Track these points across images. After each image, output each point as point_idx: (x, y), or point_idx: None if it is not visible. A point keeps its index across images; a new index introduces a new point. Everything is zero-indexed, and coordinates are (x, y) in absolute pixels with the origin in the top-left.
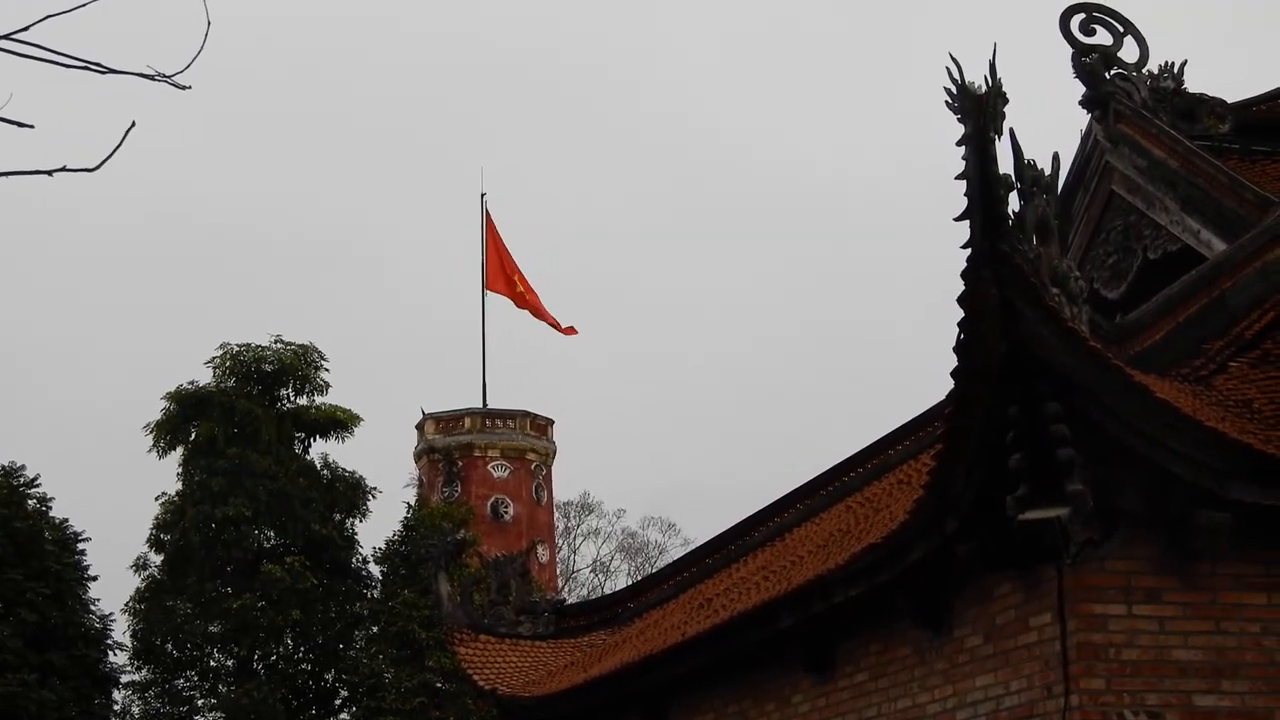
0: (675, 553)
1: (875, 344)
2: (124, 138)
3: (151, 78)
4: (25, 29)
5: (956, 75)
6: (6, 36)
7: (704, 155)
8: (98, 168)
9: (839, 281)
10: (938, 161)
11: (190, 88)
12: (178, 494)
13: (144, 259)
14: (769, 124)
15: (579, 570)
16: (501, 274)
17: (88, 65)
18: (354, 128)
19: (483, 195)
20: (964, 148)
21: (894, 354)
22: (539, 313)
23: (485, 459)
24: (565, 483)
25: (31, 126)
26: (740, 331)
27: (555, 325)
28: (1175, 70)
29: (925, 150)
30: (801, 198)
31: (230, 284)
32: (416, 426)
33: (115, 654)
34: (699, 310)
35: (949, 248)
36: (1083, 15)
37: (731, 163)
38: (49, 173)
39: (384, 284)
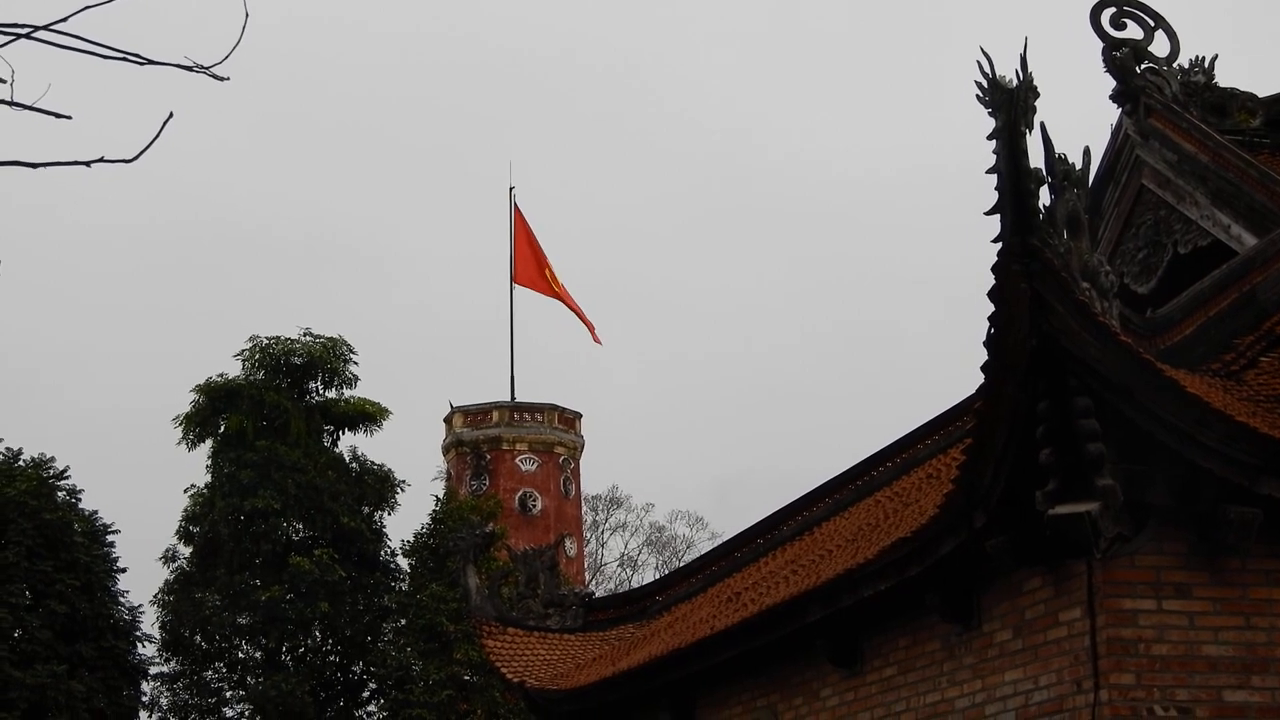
0: (703, 547)
1: (898, 342)
2: (161, 128)
3: (190, 69)
4: (64, 19)
5: (987, 69)
6: (45, 27)
7: (724, 155)
8: (135, 158)
9: (861, 279)
10: (962, 158)
11: (229, 79)
12: (206, 486)
13: (168, 257)
14: (789, 123)
15: (607, 564)
16: (531, 267)
17: (126, 56)
18: (377, 126)
19: (510, 189)
20: (995, 142)
21: (913, 352)
22: (576, 310)
23: (513, 452)
24: (593, 476)
25: (69, 118)
26: (767, 328)
27: (589, 326)
28: (1206, 65)
29: (946, 147)
30: (823, 196)
31: (258, 280)
32: (445, 420)
33: (144, 646)
34: (725, 307)
35: (975, 243)
36: (1113, 9)
37: (751, 162)
38: (87, 163)
39: (412, 278)
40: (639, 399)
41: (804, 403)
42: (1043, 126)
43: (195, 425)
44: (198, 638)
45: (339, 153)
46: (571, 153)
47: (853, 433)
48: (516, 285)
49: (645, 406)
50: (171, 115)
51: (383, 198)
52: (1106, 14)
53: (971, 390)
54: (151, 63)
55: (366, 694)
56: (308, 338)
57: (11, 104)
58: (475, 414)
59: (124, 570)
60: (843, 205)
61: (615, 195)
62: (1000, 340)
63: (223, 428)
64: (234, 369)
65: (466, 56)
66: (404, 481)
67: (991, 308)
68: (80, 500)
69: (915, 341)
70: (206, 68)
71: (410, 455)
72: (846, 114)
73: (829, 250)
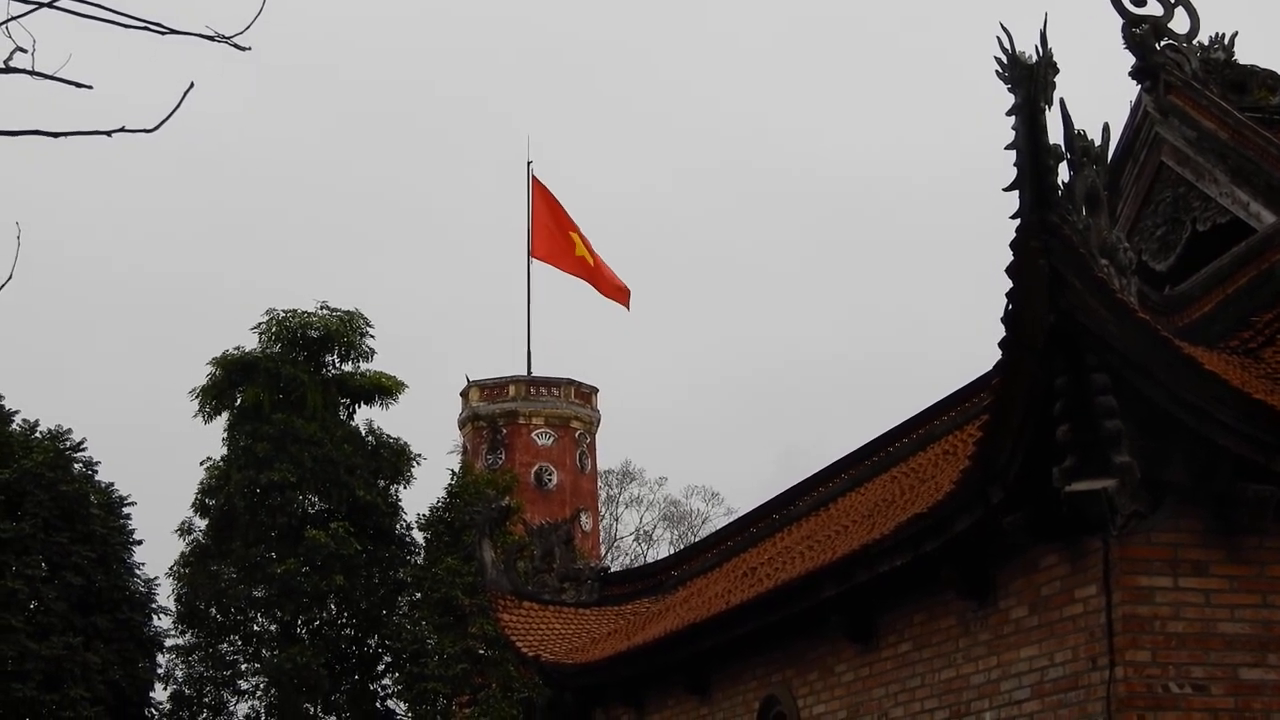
0: (718, 522)
1: (911, 324)
2: (183, 99)
3: (211, 38)
4: None
5: (1007, 45)
6: None
7: (747, 138)
8: (156, 128)
9: (879, 262)
10: (988, 133)
11: (250, 49)
12: (223, 459)
13: (188, 225)
14: (818, 103)
15: (622, 538)
16: (550, 241)
17: (147, 25)
18: (395, 100)
19: (529, 163)
20: (1014, 118)
21: (925, 334)
22: (599, 277)
23: (529, 426)
24: (610, 451)
25: (90, 87)
26: (790, 307)
27: (616, 293)
28: (1226, 41)
29: (974, 124)
30: (847, 180)
31: (276, 251)
32: (461, 394)
33: (159, 618)
34: (747, 286)
35: (998, 217)
36: None
37: (777, 146)
38: (108, 133)
39: (430, 251)
40: (657, 375)
41: (825, 384)
42: (1062, 103)
43: (212, 398)
44: (213, 610)
45: (357, 126)
46: (590, 129)
47: (876, 412)
48: (535, 260)
49: (662, 382)
50: (192, 85)
51: (401, 171)
52: None
53: (989, 366)
54: (173, 32)
55: (381, 667)
56: (324, 311)
57: (33, 74)
58: (491, 388)
59: (140, 542)
60: (878, 187)
61: (635, 172)
62: (1018, 317)
63: (239, 400)
64: (251, 342)
65: (486, 32)
66: (420, 455)
67: (1010, 284)
68: (97, 472)
69: (938, 322)
70: (228, 37)
71: (426, 429)
72: (872, 92)
73: (853, 227)
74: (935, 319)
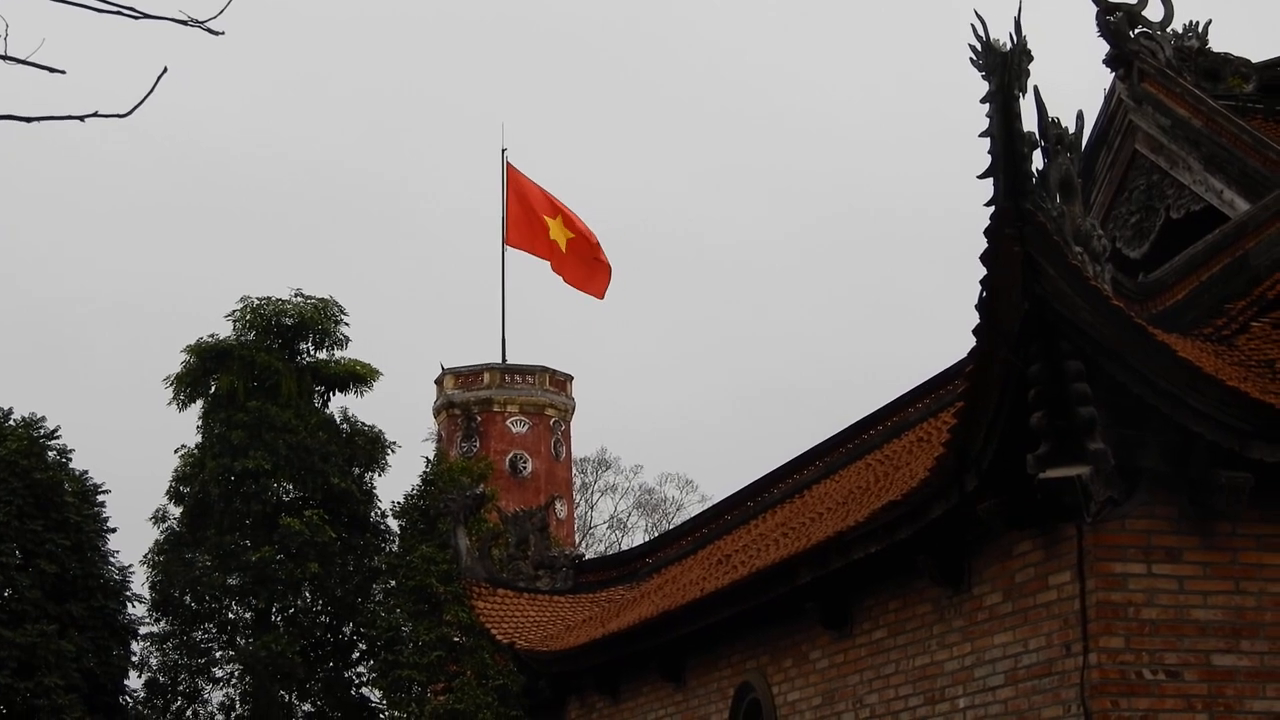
0: (692, 509)
1: (902, 305)
2: (156, 83)
3: (184, 23)
4: None
5: (981, 32)
6: None
7: (736, 110)
8: (130, 113)
9: (868, 244)
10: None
11: (223, 33)
12: (197, 447)
13: (163, 211)
14: (802, 73)
15: (596, 526)
16: (526, 228)
17: (120, 10)
18: (370, 84)
19: (503, 150)
20: (988, 105)
21: (919, 319)
22: (571, 264)
23: (504, 414)
24: (585, 439)
25: (63, 72)
26: (777, 290)
27: (589, 280)
28: (1199, 29)
29: (956, 102)
30: (839, 155)
31: (251, 238)
32: (436, 381)
33: (134, 606)
34: (729, 267)
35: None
36: None
37: (769, 121)
38: (81, 118)
39: (404, 239)
40: (634, 361)
41: (813, 370)
42: (1036, 90)
43: (186, 386)
44: (188, 598)
45: (333, 110)
46: (569, 107)
47: (861, 399)
48: (509, 248)
49: (637, 367)
50: (166, 70)
51: (375, 156)
52: None
53: (964, 353)
54: (146, 16)
55: (356, 655)
56: (299, 298)
57: (6, 58)
58: (466, 376)
59: (114, 530)
60: (870, 163)
61: (620, 162)
62: (992, 303)
63: (213, 388)
64: (225, 329)
65: (473, 22)
66: (395, 443)
67: (984, 271)
68: (71, 460)
69: (933, 304)
70: (201, 22)
71: (401, 416)
72: (861, 64)
73: (842, 208)
74: (936, 314)
